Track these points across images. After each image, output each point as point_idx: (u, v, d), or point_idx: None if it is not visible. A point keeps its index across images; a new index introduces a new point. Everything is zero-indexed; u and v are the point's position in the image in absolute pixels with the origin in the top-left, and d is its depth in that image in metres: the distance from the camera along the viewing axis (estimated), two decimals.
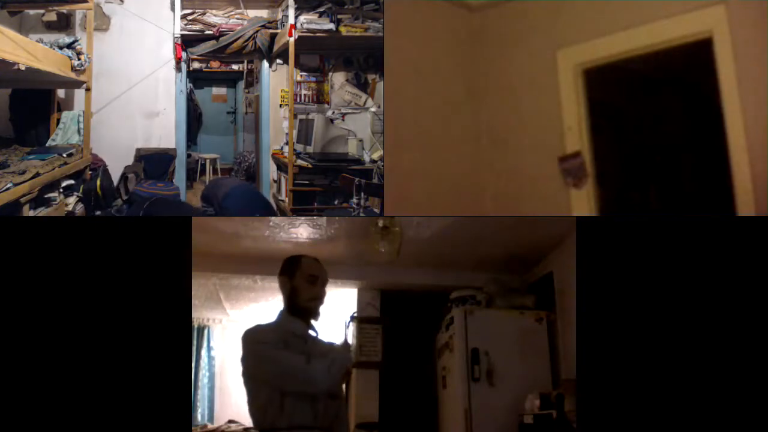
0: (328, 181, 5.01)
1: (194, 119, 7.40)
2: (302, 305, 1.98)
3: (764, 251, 1.91)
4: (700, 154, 4.06)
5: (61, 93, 5.37)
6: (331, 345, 2.03)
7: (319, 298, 2.00)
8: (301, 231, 3.18)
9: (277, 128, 5.84)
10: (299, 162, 5.04)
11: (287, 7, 4.92)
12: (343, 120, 5.52)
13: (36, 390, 1.85)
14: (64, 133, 5.06)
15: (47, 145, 4.91)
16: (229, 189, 4.73)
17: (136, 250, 1.94)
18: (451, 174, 3.31)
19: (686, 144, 4.21)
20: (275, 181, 5.74)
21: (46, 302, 1.89)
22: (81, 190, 4.52)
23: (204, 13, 5.52)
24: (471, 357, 3.06)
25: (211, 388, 5.03)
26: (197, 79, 7.29)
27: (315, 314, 2.00)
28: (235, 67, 6.59)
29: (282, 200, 5.25)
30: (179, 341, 1.92)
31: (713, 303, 1.91)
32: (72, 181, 4.46)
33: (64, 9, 5.09)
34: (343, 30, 5.06)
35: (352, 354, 3.79)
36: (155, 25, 5.46)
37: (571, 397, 2.59)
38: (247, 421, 4.94)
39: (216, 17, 5.52)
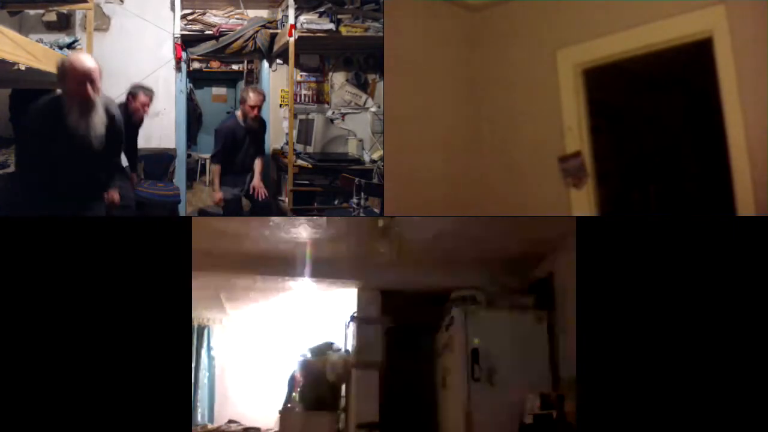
0: (328, 181, 5.00)
1: (194, 119, 7.39)
2: None
3: (764, 251, 1.91)
4: (700, 154, 4.06)
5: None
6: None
7: None
8: (301, 231, 3.18)
9: (277, 128, 5.83)
10: (299, 162, 5.03)
11: (287, 7, 4.92)
12: (343, 120, 5.51)
13: (36, 389, 1.85)
14: None
15: None
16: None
17: (136, 250, 1.94)
18: (451, 174, 3.31)
19: (686, 144, 4.22)
20: (275, 181, 5.73)
21: (46, 302, 1.89)
22: None
23: (204, 13, 5.51)
24: (471, 357, 3.06)
25: (211, 389, 5.03)
26: (197, 79, 7.27)
27: None
28: (235, 67, 6.58)
29: (282, 200, 5.25)
30: (179, 341, 1.92)
31: (713, 303, 1.91)
32: None
33: (64, 9, 5.07)
34: (343, 30, 5.05)
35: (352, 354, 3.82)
36: (155, 25, 5.45)
37: (571, 397, 2.59)
38: (247, 421, 4.97)
39: (216, 17, 5.51)
